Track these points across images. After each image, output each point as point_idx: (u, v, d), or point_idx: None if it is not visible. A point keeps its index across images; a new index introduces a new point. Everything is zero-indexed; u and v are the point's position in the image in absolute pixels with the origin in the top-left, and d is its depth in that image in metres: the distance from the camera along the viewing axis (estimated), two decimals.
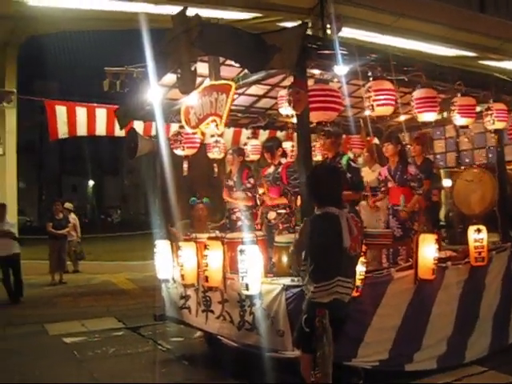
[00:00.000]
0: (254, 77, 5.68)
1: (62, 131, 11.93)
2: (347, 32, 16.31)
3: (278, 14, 15.57)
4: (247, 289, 5.09)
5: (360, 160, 8.76)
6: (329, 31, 14.21)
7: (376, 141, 8.91)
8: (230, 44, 5.22)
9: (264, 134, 9.16)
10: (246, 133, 9.29)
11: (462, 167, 8.91)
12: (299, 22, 15.77)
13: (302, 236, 4.36)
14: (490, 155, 8.28)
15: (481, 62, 21.40)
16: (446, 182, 9.02)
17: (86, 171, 53.80)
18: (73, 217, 15.39)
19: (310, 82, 5.50)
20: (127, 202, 59.26)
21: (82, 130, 12.07)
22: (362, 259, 4.82)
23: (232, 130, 9.87)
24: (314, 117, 5.31)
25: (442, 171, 9.20)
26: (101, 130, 12.06)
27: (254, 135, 8.96)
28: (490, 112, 6.83)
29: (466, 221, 7.46)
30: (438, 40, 18.25)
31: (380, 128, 8.98)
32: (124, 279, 13.83)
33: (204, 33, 5.50)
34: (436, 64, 6.90)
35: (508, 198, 7.56)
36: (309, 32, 16.01)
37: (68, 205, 15.70)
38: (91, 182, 59.42)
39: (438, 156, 9.17)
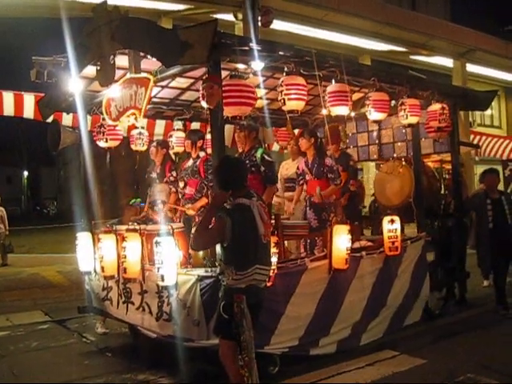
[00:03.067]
0: (172, 71, 5.70)
1: None
2: (280, 25, 16.57)
3: (211, 5, 15.67)
4: (163, 280, 5.17)
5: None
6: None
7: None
8: (146, 38, 5.25)
9: (195, 126, 9.12)
10: (177, 125, 9.19)
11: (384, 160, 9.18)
12: (231, 14, 16.08)
13: (218, 231, 4.33)
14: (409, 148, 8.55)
15: (412, 57, 22.14)
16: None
17: (21, 162, 52.40)
18: (0, 209, 15.08)
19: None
20: (64, 194, 57.86)
21: (8, 110, 11.82)
22: (273, 250, 4.96)
23: (164, 122, 9.82)
24: (228, 111, 5.39)
25: (370, 163, 9.36)
26: (29, 113, 11.82)
27: (185, 127, 8.88)
28: (403, 107, 7.08)
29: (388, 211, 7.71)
30: (369, 35, 18.76)
31: (306, 121, 9.17)
32: (54, 272, 13.56)
33: (122, 26, 5.51)
34: (351, 61, 7.11)
35: (423, 190, 7.88)
36: (240, 24, 16.29)
37: None
38: (26, 173, 57.80)
39: (360, 149, 9.42)
